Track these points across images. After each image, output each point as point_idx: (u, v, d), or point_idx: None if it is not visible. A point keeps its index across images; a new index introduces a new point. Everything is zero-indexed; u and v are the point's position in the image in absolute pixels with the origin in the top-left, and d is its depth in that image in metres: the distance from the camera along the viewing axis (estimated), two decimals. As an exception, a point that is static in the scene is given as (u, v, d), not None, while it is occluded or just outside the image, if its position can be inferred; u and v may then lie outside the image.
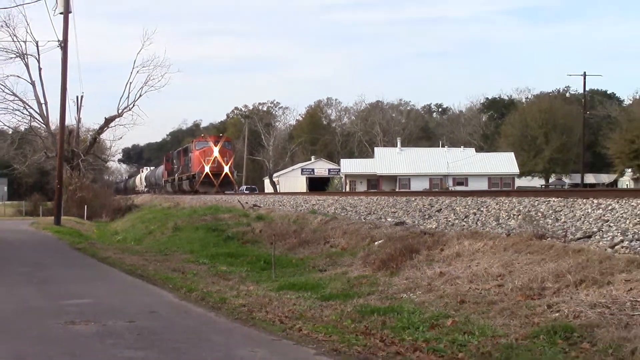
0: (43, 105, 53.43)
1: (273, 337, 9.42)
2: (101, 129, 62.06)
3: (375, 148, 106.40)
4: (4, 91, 53.50)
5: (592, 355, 7.70)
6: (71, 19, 37.34)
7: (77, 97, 62.59)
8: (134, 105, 57.80)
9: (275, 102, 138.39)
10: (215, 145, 62.93)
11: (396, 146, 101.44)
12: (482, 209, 17.26)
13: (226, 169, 62.49)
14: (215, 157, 61.99)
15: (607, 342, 7.87)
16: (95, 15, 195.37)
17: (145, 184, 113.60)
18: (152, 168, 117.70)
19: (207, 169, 61.35)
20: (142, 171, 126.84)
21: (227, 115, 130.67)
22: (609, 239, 12.11)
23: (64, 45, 36.94)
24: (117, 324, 10.24)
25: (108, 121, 59.75)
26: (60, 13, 36.74)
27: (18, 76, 55.22)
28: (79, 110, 60.93)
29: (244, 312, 11.34)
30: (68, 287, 14.33)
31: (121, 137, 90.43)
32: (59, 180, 38.55)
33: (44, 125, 55.56)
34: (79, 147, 56.58)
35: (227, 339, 9.34)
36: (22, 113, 55.95)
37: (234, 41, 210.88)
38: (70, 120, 54.05)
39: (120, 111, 58.04)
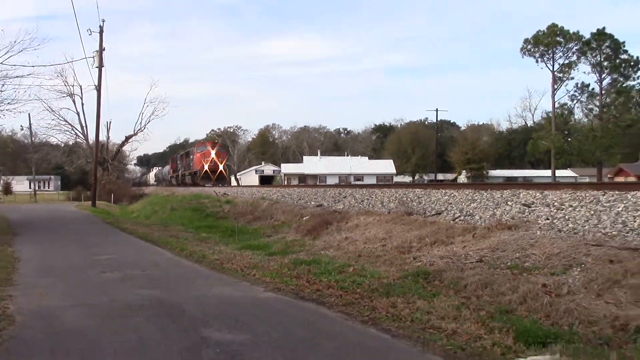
0: (84, 128, 53.53)
1: (236, 280, 9.41)
2: (122, 143, 62.21)
3: (304, 156, 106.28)
4: (59, 118, 53.36)
5: (441, 288, 7.82)
6: (103, 71, 37.04)
7: (107, 122, 63.41)
8: (144, 128, 57.91)
9: (238, 126, 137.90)
10: (212, 149, 58.79)
11: (317, 155, 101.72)
12: (372, 196, 17.38)
13: (221, 167, 58.37)
14: (212, 157, 57.54)
15: (450, 280, 8.00)
16: (120, 67, 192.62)
17: (154, 179, 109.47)
18: (159, 168, 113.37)
19: (206, 167, 56.79)
20: (152, 170, 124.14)
21: (207, 134, 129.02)
22: (451, 214, 12.29)
23: (98, 88, 36.65)
24: (133, 272, 10.21)
25: (127, 138, 59.97)
26: (96, 67, 36.54)
27: (68, 109, 58.16)
28: (108, 130, 60.94)
29: (217, 263, 11.30)
30: (100, 248, 14.14)
31: (136, 149, 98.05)
32: (95, 177, 38.93)
33: (85, 141, 55.29)
34: (108, 155, 56.49)
35: (206, 281, 9.30)
36: (71, 133, 56.17)
37: (212, 84, 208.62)
38: (102, 137, 53.88)
39: (135, 132, 58.29)
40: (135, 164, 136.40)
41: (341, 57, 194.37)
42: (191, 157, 63.48)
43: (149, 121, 58.24)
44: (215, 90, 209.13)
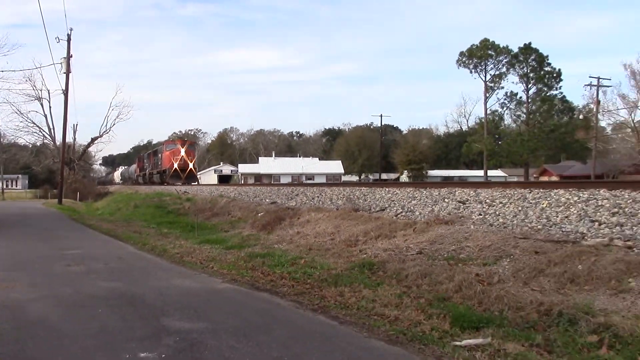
0: (52, 130, 52.35)
1: (195, 272, 9.27)
2: (88, 145, 61.04)
3: (259, 157, 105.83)
4: (27, 121, 52.25)
5: (384, 278, 7.85)
6: (70, 76, 36.24)
7: (74, 125, 61.90)
8: (109, 130, 56.86)
9: (198, 129, 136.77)
10: (182, 147, 53.24)
11: (272, 156, 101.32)
12: (322, 194, 17.38)
13: (191, 165, 52.98)
14: (182, 156, 52.01)
15: (392, 270, 8.04)
16: (87, 73, 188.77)
17: (120, 178, 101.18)
18: (125, 167, 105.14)
19: (175, 165, 51.41)
20: (118, 169, 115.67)
21: (169, 136, 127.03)
22: (394, 211, 12.37)
23: (65, 92, 35.82)
24: (97, 265, 9.91)
25: (93, 140, 58.92)
26: (64, 73, 35.76)
27: (36, 111, 62.94)
28: (74, 132, 59.65)
29: (178, 257, 11.12)
30: (66, 242, 13.75)
31: (102, 150, 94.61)
32: (61, 176, 38.12)
33: (52, 142, 53.95)
34: (75, 156, 55.32)
35: (168, 273, 9.13)
36: (38, 134, 54.99)
37: (175, 90, 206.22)
38: (69, 138, 52.72)
39: (100, 134, 57.25)
40: (100, 164, 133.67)
41: (292, 67, 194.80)
42: (159, 155, 57.32)
43: (114, 124, 57.49)
44: (177, 95, 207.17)
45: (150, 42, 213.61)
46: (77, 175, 53.16)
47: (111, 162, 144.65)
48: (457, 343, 5.06)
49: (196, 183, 52.86)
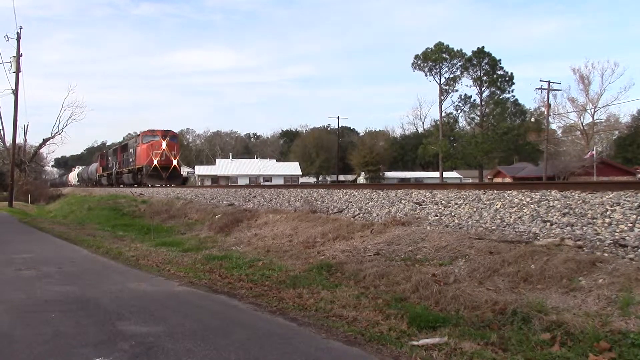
0: (1, 131, 50.59)
1: (152, 275, 9.13)
2: (40, 146, 59.91)
3: (216, 159, 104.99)
4: None
5: (342, 279, 7.88)
6: (20, 76, 35.22)
7: (25, 125, 60.26)
8: (62, 131, 55.60)
9: (152, 129, 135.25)
10: (164, 140, 42.30)
11: (229, 158, 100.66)
12: (280, 195, 17.35)
13: (175, 162, 42.64)
14: (164, 150, 41.72)
15: (350, 271, 8.08)
16: (38, 73, 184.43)
17: (77, 179, 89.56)
18: (84, 167, 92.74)
19: (155, 162, 40.76)
20: (74, 170, 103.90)
21: (123, 137, 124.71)
22: (352, 212, 12.43)
23: (15, 92, 34.76)
24: (49, 269, 9.65)
25: (45, 141, 57.80)
26: (13, 72, 34.78)
27: None
28: (25, 133, 58.15)
29: (133, 260, 10.93)
30: (16, 246, 13.36)
31: (54, 151, 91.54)
32: (12, 178, 37.02)
33: (2, 143, 52.37)
34: (26, 157, 53.87)
35: (123, 277, 8.95)
36: None
37: (130, 91, 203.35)
38: (19, 139, 51.24)
39: (52, 135, 56.03)
40: (53, 166, 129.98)
41: (249, 68, 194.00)
42: (132, 150, 46.41)
43: (66, 124, 56.33)
44: (132, 97, 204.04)
45: (103, 42, 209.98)
46: (28, 177, 51.82)
47: (64, 163, 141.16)
48: (415, 343, 5.11)
49: (182, 184, 43.74)
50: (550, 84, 59.09)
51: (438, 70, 70.93)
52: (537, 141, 69.61)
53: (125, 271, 9.68)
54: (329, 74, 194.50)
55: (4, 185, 51.51)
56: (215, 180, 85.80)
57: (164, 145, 41.37)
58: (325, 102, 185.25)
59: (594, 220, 7.66)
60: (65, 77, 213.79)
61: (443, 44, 70.13)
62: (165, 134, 42.83)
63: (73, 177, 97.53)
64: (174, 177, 41.86)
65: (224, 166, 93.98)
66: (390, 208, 11.61)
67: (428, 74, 71.60)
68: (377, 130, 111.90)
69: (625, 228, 7.14)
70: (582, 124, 72.22)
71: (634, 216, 7.31)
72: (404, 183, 14.29)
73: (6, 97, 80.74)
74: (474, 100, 69.74)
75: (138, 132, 48.38)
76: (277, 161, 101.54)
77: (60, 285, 8.11)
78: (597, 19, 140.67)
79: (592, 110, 71.25)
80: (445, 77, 70.90)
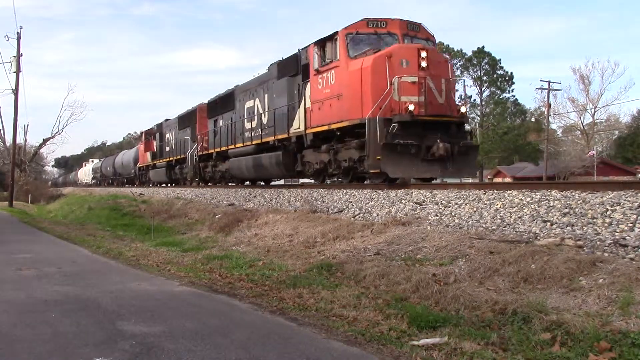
0: (1, 130, 50.78)
1: (152, 275, 9.14)
2: (40, 146, 59.96)
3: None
4: None
5: (342, 279, 7.89)
6: (21, 75, 35.36)
7: (25, 125, 60.52)
8: (62, 131, 55.60)
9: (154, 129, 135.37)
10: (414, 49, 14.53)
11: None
12: (280, 195, 17.35)
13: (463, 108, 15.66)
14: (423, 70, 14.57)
15: (350, 271, 8.08)
16: (38, 73, 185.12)
17: (92, 176, 71.79)
18: (104, 158, 72.09)
19: (411, 107, 13.64)
20: (85, 165, 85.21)
21: (124, 138, 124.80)
22: (352, 212, 12.44)
23: (15, 92, 34.87)
24: (50, 269, 9.67)
25: (45, 141, 57.85)
26: (14, 72, 34.86)
27: None
28: (25, 133, 58.48)
29: (133, 260, 10.95)
30: (16, 246, 13.39)
31: (54, 151, 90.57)
32: (12, 178, 36.99)
33: (2, 143, 52.46)
34: (26, 157, 53.90)
35: (123, 277, 8.96)
36: None
37: (131, 91, 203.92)
38: (19, 139, 51.32)
39: (53, 134, 56.05)
40: (53, 166, 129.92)
41: (252, 67, 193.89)
42: (269, 95, 20.39)
43: (66, 124, 56.31)
44: (133, 96, 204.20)
45: (104, 41, 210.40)
46: (28, 177, 51.86)
47: (64, 163, 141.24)
48: (415, 343, 5.11)
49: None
50: (551, 83, 59.11)
51: (439, 69, 70.80)
52: (537, 141, 69.62)
53: (125, 271, 9.69)
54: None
55: (4, 185, 51.61)
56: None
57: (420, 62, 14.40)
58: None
59: (594, 220, 7.66)
60: (66, 77, 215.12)
61: (443, 43, 70.04)
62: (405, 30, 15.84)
63: (85, 173, 79.93)
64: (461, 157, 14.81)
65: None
66: (391, 208, 11.61)
67: (428, 73, 71.44)
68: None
69: (626, 228, 7.14)
70: (582, 123, 72.20)
71: (634, 216, 7.31)
72: (404, 183, 14.26)
73: (6, 97, 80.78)
74: (474, 100, 69.80)
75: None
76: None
77: (61, 285, 8.11)
78: (598, 18, 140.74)
79: (592, 110, 71.24)
80: (445, 77, 70.76)
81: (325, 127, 15.88)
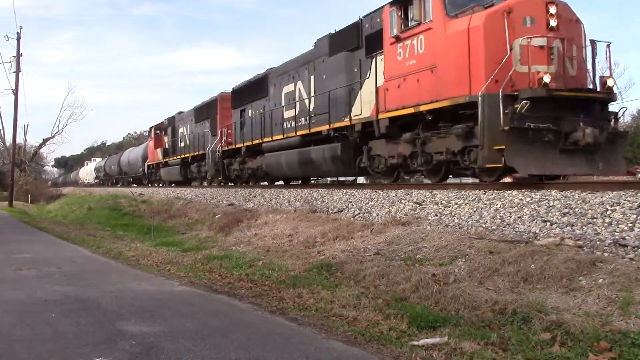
0: (1, 130, 50.77)
1: (152, 275, 9.13)
2: (40, 146, 60.17)
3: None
4: None
5: (342, 279, 7.88)
6: (20, 75, 35.39)
7: (25, 125, 60.44)
8: (62, 131, 55.65)
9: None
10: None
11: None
12: (280, 195, 17.35)
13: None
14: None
15: (350, 271, 8.08)
16: (38, 72, 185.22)
17: (95, 175, 68.84)
18: (108, 157, 68.45)
19: (546, 78, 10.53)
20: (87, 163, 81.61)
21: (124, 138, 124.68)
22: (352, 212, 12.43)
23: (15, 92, 34.89)
24: (49, 269, 9.67)
25: (45, 141, 58.07)
26: (13, 72, 34.89)
27: None
28: (25, 133, 58.40)
29: (133, 260, 10.94)
30: (16, 246, 13.37)
31: (54, 151, 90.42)
32: (12, 178, 36.99)
33: (2, 143, 52.49)
34: (26, 157, 53.95)
35: (122, 277, 8.95)
36: None
37: (131, 91, 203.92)
38: (19, 139, 51.30)
39: (52, 134, 56.17)
40: (53, 166, 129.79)
41: (252, 67, 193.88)
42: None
43: (66, 124, 56.24)
44: (133, 96, 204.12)
45: (104, 41, 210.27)
46: (28, 177, 51.86)
47: (64, 163, 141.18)
48: (415, 343, 5.11)
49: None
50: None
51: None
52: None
53: (125, 271, 9.69)
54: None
55: (4, 185, 51.61)
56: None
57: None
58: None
59: (594, 220, 7.66)
60: (66, 77, 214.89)
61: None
62: None
63: (87, 173, 76.44)
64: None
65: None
66: (390, 208, 11.61)
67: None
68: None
69: (626, 228, 7.14)
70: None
71: (634, 216, 7.31)
72: (404, 183, 14.25)
73: (6, 97, 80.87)
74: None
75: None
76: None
77: (60, 285, 8.11)
78: (598, 18, 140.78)
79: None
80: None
81: (410, 110, 12.63)
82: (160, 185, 37.60)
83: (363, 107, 14.56)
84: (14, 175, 38.15)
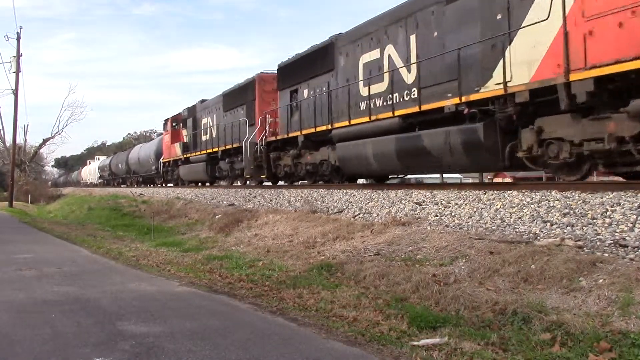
0: (1, 131, 50.74)
1: (152, 275, 9.14)
2: (40, 146, 60.01)
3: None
4: None
5: (342, 280, 7.88)
6: (20, 76, 35.52)
7: (25, 125, 60.52)
8: (62, 131, 55.62)
9: (154, 130, 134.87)
10: None
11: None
12: (280, 195, 17.35)
13: None
14: None
15: (351, 272, 8.08)
16: (38, 72, 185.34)
17: (99, 175, 64.43)
18: (114, 154, 62.88)
19: None
20: (90, 162, 76.62)
21: (124, 138, 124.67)
22: (352, 212, 12.42)
23: (15, 92, 34.99)
24: (50, 269, 9.66)
25: (45, 141, 57.92)
26: (13, 72, 35.06)
27: None
28: (25, 133, 58.39)
29: (133, 260, 10.95)
30: (17, 246, 13.38)
31: (54, 151, 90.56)
32: (12, 179, 37.01)
33: (2, 143, 52.46)
34: (26, 157, 53.97)
35: (123, 277, 8.96)
36: None
37: (131, 90, 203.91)
38: (19, 140, 51.32)
39: (52, 135, 56.08)
40: (53, 166, 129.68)
41: (252, 67, 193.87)
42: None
43: (66, 124, 56.28)
44: (133, 96, 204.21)
45: (104, 41, 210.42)
46: (28, 177, 51.88)
47: (64, 163, 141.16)
48: (415, 343, 5.10)
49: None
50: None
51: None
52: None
53: (125, 271, 9.69)
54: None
55: (4, 185, 51.64)
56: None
57: None
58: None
59: (594, 220, 7.65)
60: (66, 77, 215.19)
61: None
62: None
63: (90, 172, 71.76)
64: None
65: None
66: (391, 208, 11.60)
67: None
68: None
69: (626, 228, 7.13)
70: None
71: (634, 216, 7.30)
72: (404, 183, 14.18)
73: (6, 97, 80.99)
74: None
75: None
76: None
77: (61, 285, 8.11)
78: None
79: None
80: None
81: None
82: (180, 185, 33.23)
83: (514, 70, 10.22)
84: (14, 175, 38.19)
